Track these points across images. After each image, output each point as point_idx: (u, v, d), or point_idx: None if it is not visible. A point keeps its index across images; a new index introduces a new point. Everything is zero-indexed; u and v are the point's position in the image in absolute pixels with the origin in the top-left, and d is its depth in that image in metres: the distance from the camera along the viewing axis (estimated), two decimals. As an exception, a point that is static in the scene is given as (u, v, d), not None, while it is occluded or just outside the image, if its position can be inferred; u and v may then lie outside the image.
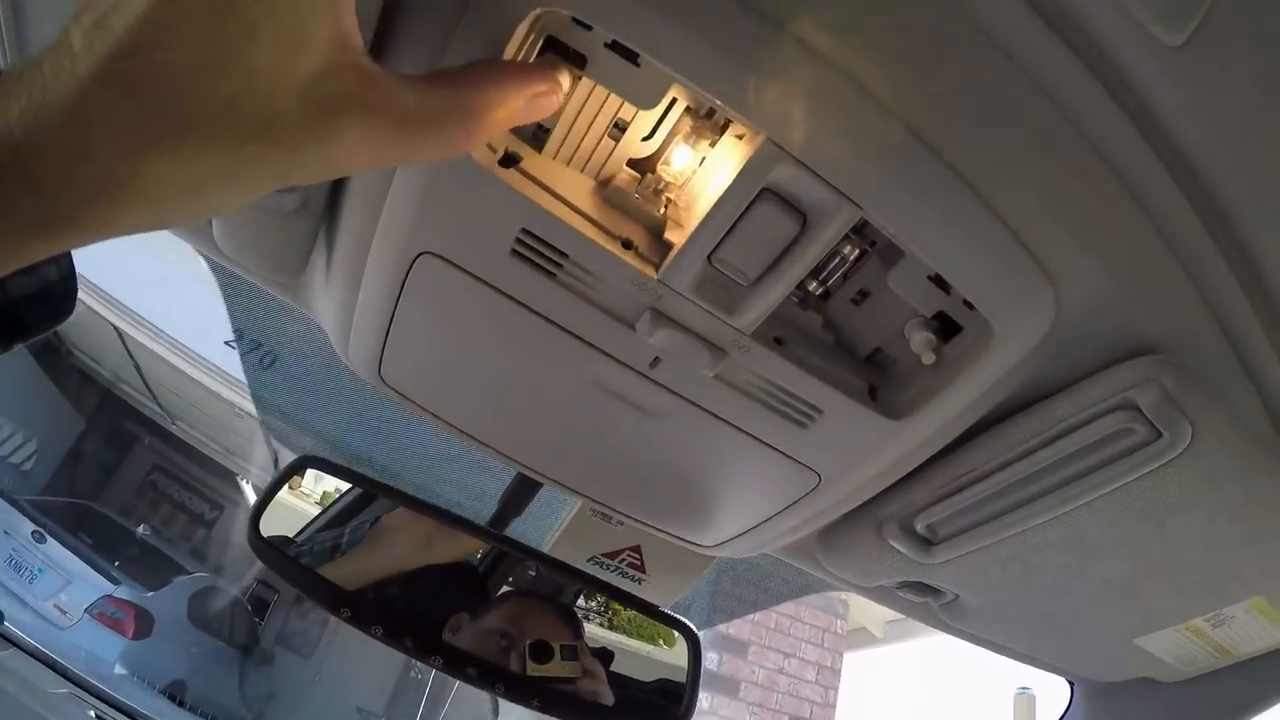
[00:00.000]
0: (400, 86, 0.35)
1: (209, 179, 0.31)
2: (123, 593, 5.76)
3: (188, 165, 0.30)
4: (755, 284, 0.50)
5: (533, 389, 0.65)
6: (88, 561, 5.78)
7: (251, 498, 6.75)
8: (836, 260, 0.55)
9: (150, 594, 5.93)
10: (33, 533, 5.60)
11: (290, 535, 0.97)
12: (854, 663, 5.91)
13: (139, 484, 8.46)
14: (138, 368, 6.56)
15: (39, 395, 6.88)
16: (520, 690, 0.86)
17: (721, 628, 5.21)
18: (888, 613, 6.58)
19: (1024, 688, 6.03)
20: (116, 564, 6.12)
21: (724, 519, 0.78)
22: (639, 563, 1.05)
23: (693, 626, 0.95)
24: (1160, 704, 1.05)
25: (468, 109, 0.37)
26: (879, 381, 0.60)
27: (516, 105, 0.39)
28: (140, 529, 7.20)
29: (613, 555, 1.05)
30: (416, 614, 0.90)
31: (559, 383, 0.62)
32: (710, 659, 5.15)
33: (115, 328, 5.63)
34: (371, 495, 0.99)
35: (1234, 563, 0.71)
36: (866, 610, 6.33)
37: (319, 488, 5.93)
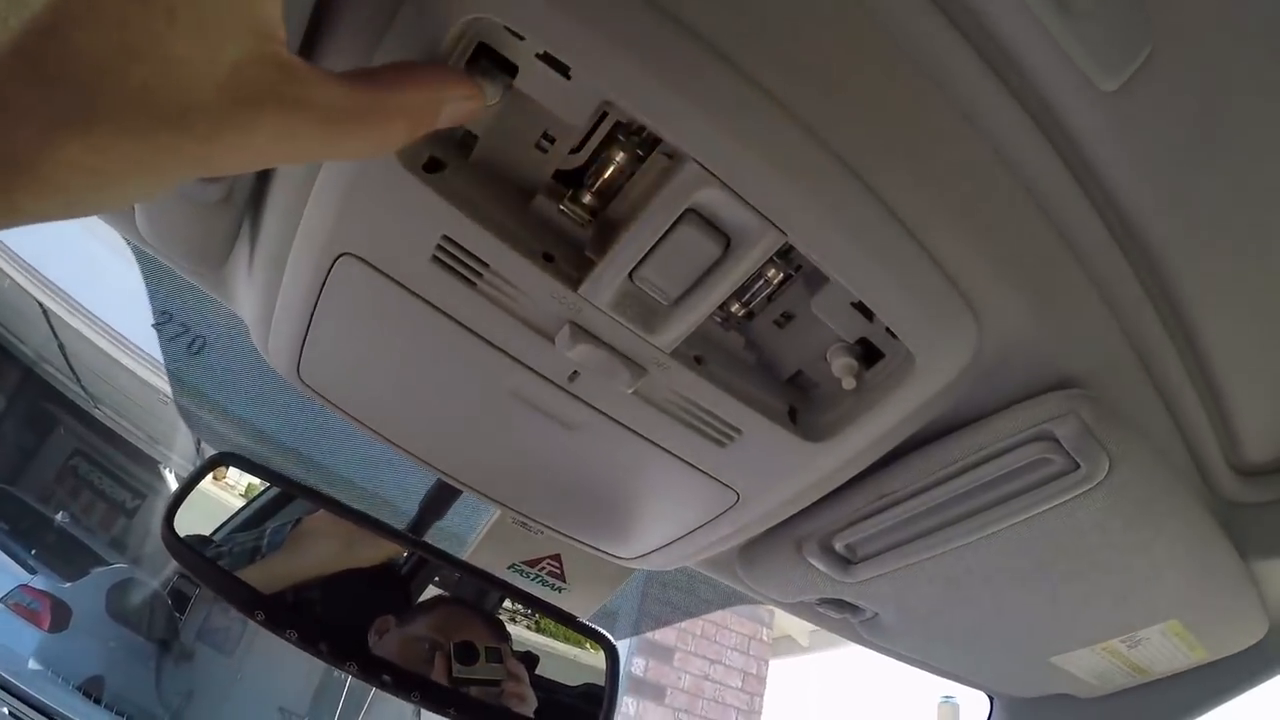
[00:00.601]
0: (323, 81, 0.34)
1: (121, 167, 0.30)
2: (39, 583, 5.61)
3: (98, 152, 0.29)
4: (676, 303, 0.50)
5: (450, 396, 0.64)
6: (3, 549, 5.63)
7: (174, 487, 6.62)
8: (760, 283, 0.55)
9: (68, 585, 5.77)
10: (-55, 518, 5.45)
11: (208, 534, 0.95)
12: (779, 670, 5.95)
13: (59, 469, 8.24)
14: (62, 348, 6.40)
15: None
16: (439, 698, 0.85)
17: (648, 634, 5.22)
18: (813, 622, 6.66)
19: (948, 696, 6.14)
20: (33, 552, 5.97)
21: (643, 532, 0.78)
22: (559, 571, 1.05)
23: (609, 637, 0.95)
24: (1078, 718, 1.06)
25: (390, 108, 0.37)
26: (800, 404, 0.60)
27: (438, 108, 0.39)
28: (59, 516, 7.03)
29: (533, 563, 1.05)
30: (335, 618, 0.89)
31: (477, 391, 0.62)
32: (636, 664, 5.15)
33: (40, 305, 5.49)
34: (290, 495, 0.98)
35: (1150, 589, 0.72)
36: (792, 619, 6.38)
37: (244, 480, 5.83)
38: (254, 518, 1.00)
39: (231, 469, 0.94)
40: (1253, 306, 0.56)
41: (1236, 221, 0.50)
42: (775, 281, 0.55)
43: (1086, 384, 0.58)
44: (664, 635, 5.31)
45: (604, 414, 0.60)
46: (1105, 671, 0.89)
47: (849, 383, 0.55)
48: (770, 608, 5.84)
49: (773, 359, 0.60)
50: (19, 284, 5.19)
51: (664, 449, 0.62)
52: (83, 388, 7.46)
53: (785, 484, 0.65)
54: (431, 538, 0.97)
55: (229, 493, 5.78)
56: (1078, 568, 0.69)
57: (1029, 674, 0.95)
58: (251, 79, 0.32)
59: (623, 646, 5.24)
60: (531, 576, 1.05)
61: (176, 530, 0.86)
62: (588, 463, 0.68)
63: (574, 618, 0.95)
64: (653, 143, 0.49)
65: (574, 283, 0.50)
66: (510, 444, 0.69)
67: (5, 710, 1.95)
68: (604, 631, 0.95)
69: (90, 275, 5.00)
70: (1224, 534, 0.69)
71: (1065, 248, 0.51)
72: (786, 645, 6.64)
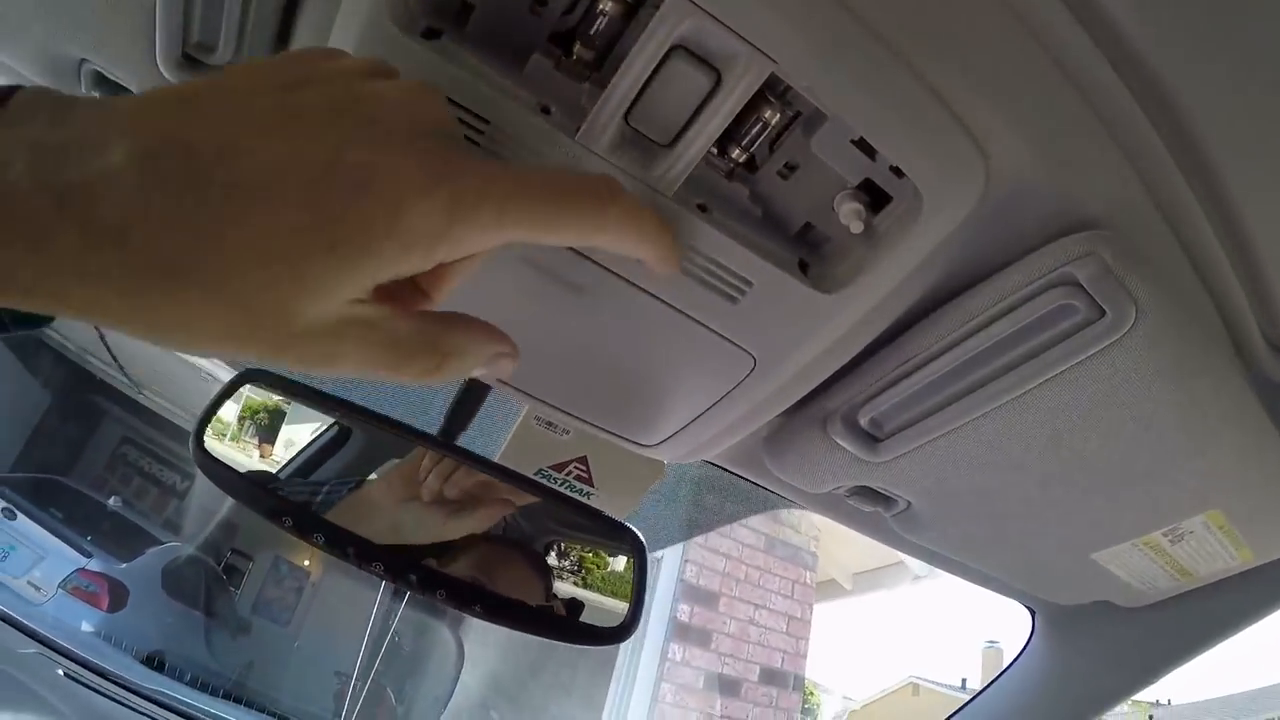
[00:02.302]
0: (396, 318, 0.40)
1: (207, 342, 0.35)
2: (96, 565, 5.71)
3: (197, 326, 0.34)
4: (673, 143, 0.51)
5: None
6: (60, 536, 5.73)
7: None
8: (759, 125, 0.54)
9: (124, 566, 5.88)
10: (2, 510, 5.55)
11: (273, 472, 0.99)
12: (824, 613, 5.97)
13: (109, 457, 8.38)
14: (102, 336, 6.49)
15: (2, 371, 6.80)
16: (462, 598, 0.86)
17: (691, 579, 5.25)
18: (856, 565, 6.66)
19: (991, 641, 6.12)
20: (89, 538, 6.08)
21: (663, 411, 0.78)
22: (586, 475, 1.05)
23: (638, 534, 0.95)
24: (1122, 630, 1.07)
25: (444, 348, 0.43)
26: (811, 258, 0.60)
27: (480, 357, 0.46)
28: (111, 501, 7.15)
29: (560, 468, 1.05)
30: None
31: (486, 260, 0.62)
32: (681, 611, 5.18)
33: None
34: (341, 448, 1.00)
35: (1190, 471, 0.71)
36: (836, 562, 6.39)
37: (287, 455, 5.89)
38: (314, 459, 1.02)
39: (279, 441, 0.96)
40: None
41: (1265, 66, 0.48)
42: (775, 125, 0.55)
43: (1105, 226, 0.56)
44: (708, 581, 5.34)
45: (610, 270, 0.60)
46: (1148, 573, 0.88)
47: (856, 226, 0.54)
48: (814, 552, 5.87)
49: (780, 211, 0.60)
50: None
51: (674, 307, 0.62)
52: (126, 375, 7.55)
53: (802, 344, 0.65)
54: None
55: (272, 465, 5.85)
56: (1111, 442, 0.68)
57: (1070, 574, 0.94)
58: (347, 321, 0.37)
59: (666, 594, 5.29)
60: (559, 482, 1.05)
61: (207, 448, 0.87)
62: (601, 331, 0.68)
63: (600, 513, 0.96)
64: None
65: (572, 131, 0.51)
66: (525, 320, 0.67)
67: (61, 673, 2.00)
68: (632, 527, 0.95)
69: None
70: (1264, 410, 0.67)
71: (1066, 80, 0.50)
72: (831, 589, 6.65)
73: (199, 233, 0.32)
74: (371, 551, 0.84)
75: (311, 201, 0.34)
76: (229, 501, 6.80)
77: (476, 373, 0.47)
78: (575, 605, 0.95)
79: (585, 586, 0.97)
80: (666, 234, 0.47)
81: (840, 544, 6.12)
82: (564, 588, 0.96)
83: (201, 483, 7.60)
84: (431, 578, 0.86)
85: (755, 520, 5.68)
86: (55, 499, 6.54)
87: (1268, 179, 0.55)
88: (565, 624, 0.94)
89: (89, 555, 5.77)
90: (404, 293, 0.45)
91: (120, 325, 0.33)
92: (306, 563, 7.44)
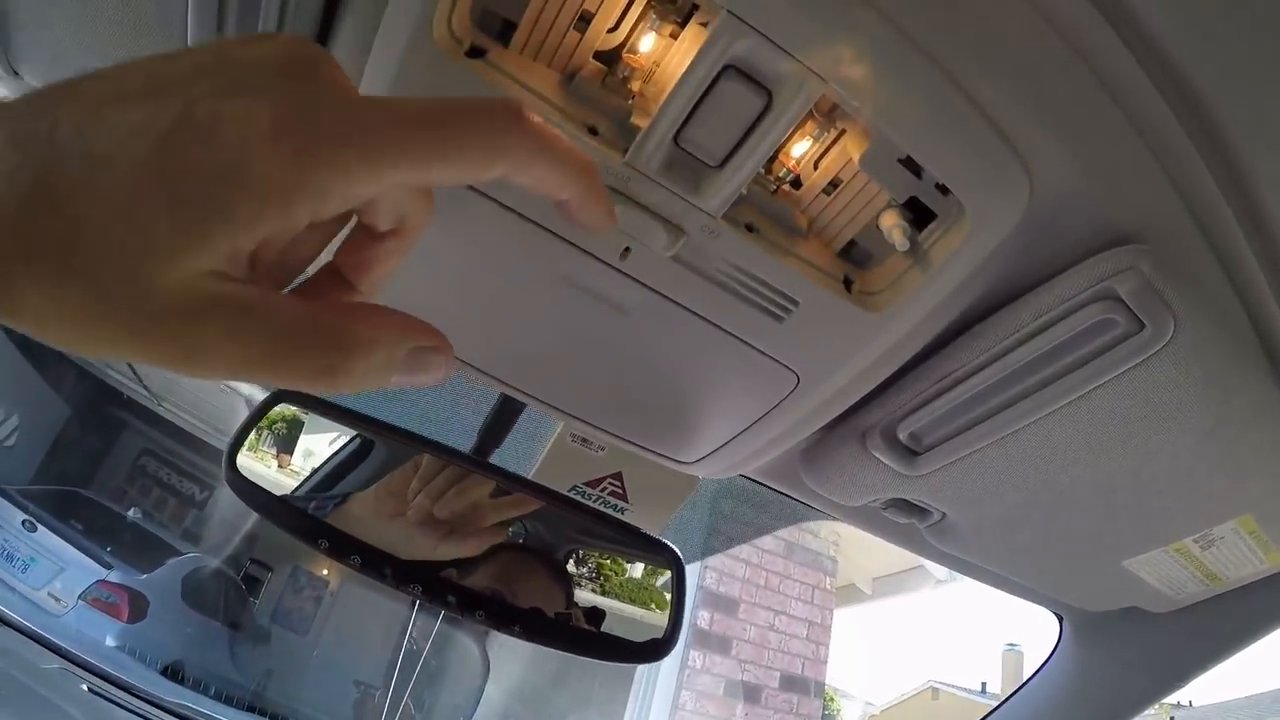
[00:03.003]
0: (278, 301, 0.35)
1: (70, 327, 0.31)
2: (116, 577, 5.75)
3: (58, 311, 0.31)
4: (723, 164, 0.50)
5: (504, 292, 0.64)
6: (80, 548, 5.77)
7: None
8: (806, 142, 0.55)
9: (144, 577, 5.93)
10: (23, 522, 5.60)
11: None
12: (844, 619, 5.96)
13: (129, 468, 8.46)
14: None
15: (22, 383, 6.85)
16: (502, 618, 0.85)
17: (711, 586, 5.24)
18: (876, 569, 6.65)
19: (1012, 644, 6.11)
20: (109, 549, 6.12)
21: (703, 430, 0.77)
22: (621, 491, 1.05)
23: (675, 549, 0.95)
24: (1150, 635, 1.07)
25: (344, 340, 0.36)
26: (855, 275, 0.60)
27: (394, 353, 0.38)
28: (131, 512, 7.21)
29: (595, 484, 1.05)
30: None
31: (530, 283, 0.62)
32: (701, 618, 5.17)
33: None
34: (364, 460, 0.99)
35: (1222, 478, 0.71)
36: (856, 566, 6.38)
37: (308, 465, 5.94)
38: (334, 474, 1.01)
39: (298, 453, 0.96)
40: None
41: None
42: (822, 142, 0.55)
43: (1144, 241, 0.56)
44: (728, 588, 5.33)
45: (657, 292, 0.59)
46: (1177, 578, 0.88)
47: (902, 244, 0.54)
48: (833, 557, 5.86)
49: (825, 229, 0.59)
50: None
51: (720, 327, 0.62)
52: (145, 386, 7.61)
53: (845, 362, 0.65)
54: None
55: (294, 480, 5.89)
56: (1148, 452, 0.68)
57: (1100, 581, 0.94)
58: (208, 300, 0.32)
59: (687, 601, 5.27)
60: (594, 498, 1.05)
61: (239, 470, 0.87)
62: (644, 351, 0.67)
63: (637, 530, 0.96)
64: (689, 11, 0.50)
65: (620, 151, 0.51)
66: (566, 341, 0.68)
67: (85, 687, 2.00)
68: (669, 543, 0.95)
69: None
70: None
71: (1107, 96, 0.50)
72: (851, 594, 6.64)
73: (55, 209, 0.30)
74: (409, 573, 0.84)
75: (156, 160, 0.31)
76: (248, 512, 6.84)
77: (397, 377, 0.38)
78: (596, 614, 0.94)
79: (604, 594, 0.97)
80: (589, 173, 0.40)
81: (860, 549, 6.12)
82: (584, 595, 0.96)
83: (220, 494, 7.67)
84: (471, 599, 0.85)
85: (779, 527, 5.69)
86: (75, 511, 6.59)
87: None
88: (605, 642, 0.94)
89: (109, 566, 5.81)
90: (324, 285, 0.41)
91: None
92: (325, 572, 7.47)
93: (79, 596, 5.46)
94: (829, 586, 5.82)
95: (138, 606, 5.64)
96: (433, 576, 0.86)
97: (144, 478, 8.51)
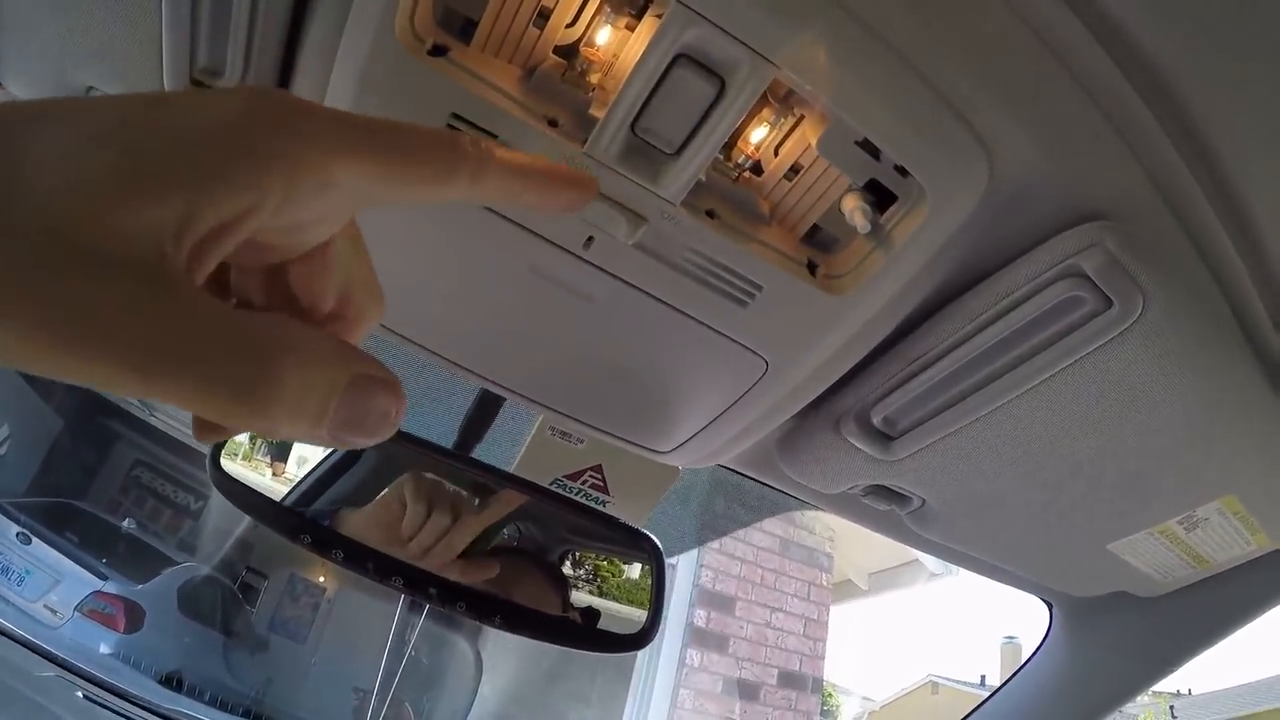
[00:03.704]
0: (205, 293, 0.28)
1: None
2: (111, 587, 5.73)
3: None
4: (680, 151, 0.51)
5: (473, 284, 0.65)
6: (75, 559, 5.75)
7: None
8: (764, 129, 0.56)
9: (139, 587, 5.91)
10: (17, 534, 5.57)
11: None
12: (840, 615, 5.96)
13: (123, 479, 8.41)
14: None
15: (13, 394, 6.82)
16: (483, 610, 0.86)
17: (708, 584, 5.25)
18: (872, 565, 6.64)
19: (1010, 637, 6.11)
20: (104, 560, 6.10)
21: (676, 418, 0.78)
22: (601, 483, 1.06)
23: (655, 539, 0.95)
24: (1140, 620, 1.07)
25: (268, 352, 0.28)
26: (819, 259, 0.60)
27: (336, 376, 0.30)
28: (126, 523, 7.18)
29: (575, 476, 1.06)
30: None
31: (498, 274, 0.63)
32: (698, 616, 5.18)
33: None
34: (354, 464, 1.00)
35: (1202, 457, 0.71)
36: (851, 562, 6.38)
37: (303, 473, 5.92)
38: (325, 478, 1.02)
39: (292, 459, 0.97)
40: None
41: (1263, 51, 0.48)
42: (781, 129, 0.56)
43: (1111, 218, 0.56)
44: (724, 586, 5.34)
45: (621, 279, 0.60)
46: (1165, 562, 0.88)
47: (863, 226, 0.54)
48: (829, 553, 5.86)
49: (787, 214, 0.60)
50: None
51: (685, 314, 0.62)
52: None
53: (813, 346, 0.65)
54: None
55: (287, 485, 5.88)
56: (1124, 433, 0.68)
57: (1087, 566, 0.94)
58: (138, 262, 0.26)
59: (682, 600, 5.30)
60: (575, 491, 1.06)
61: (224, 469, 0.90)
62: (613, 339, 0.68)
63: (616, 520, 0.96)
64: (643, 5, 0.51)
65: (579, 142, 0.52)
66: (537, 331, 0.69)
67: (80, 695, 2.00)
68: (648, 533, 0.96)
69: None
70: (1275, 395, 0.67)
71: (1066, 73, 0.50)
72: (847, 589, 6.64)
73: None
74: (390, 566, 0.84)
75: (119, 128, 0.26)
76: (243, 520, 6.84)
77: (331, 426, 0.30)
78: (592, 613, 0.95)
79: (601, 595, 0.97)
80: (543, 170, 0.37)
81: (855, 544, 6.12)
82: (580, 597, 0.97)
83: (215, 503, 7.65)
84: (451, 591, 0.86)
85: (770, 523, 5.69)
86: (70, 522, 6.56)
87: (1270, 164, 0.55)
88: (585, 632, 0.95)
89: (104, 577, 5.79)
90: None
91: None
92: (322, 579, 7.45)
93: (75, 608, 5.44)
94: (825, 583, 5.83)
95: (134, 617, 5.62)
96: (414, 570, 0.86)
97: (138, 488, 8.46)
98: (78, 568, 5.70)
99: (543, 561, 0.99)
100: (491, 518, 0.94)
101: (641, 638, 0.93)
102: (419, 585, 0.85)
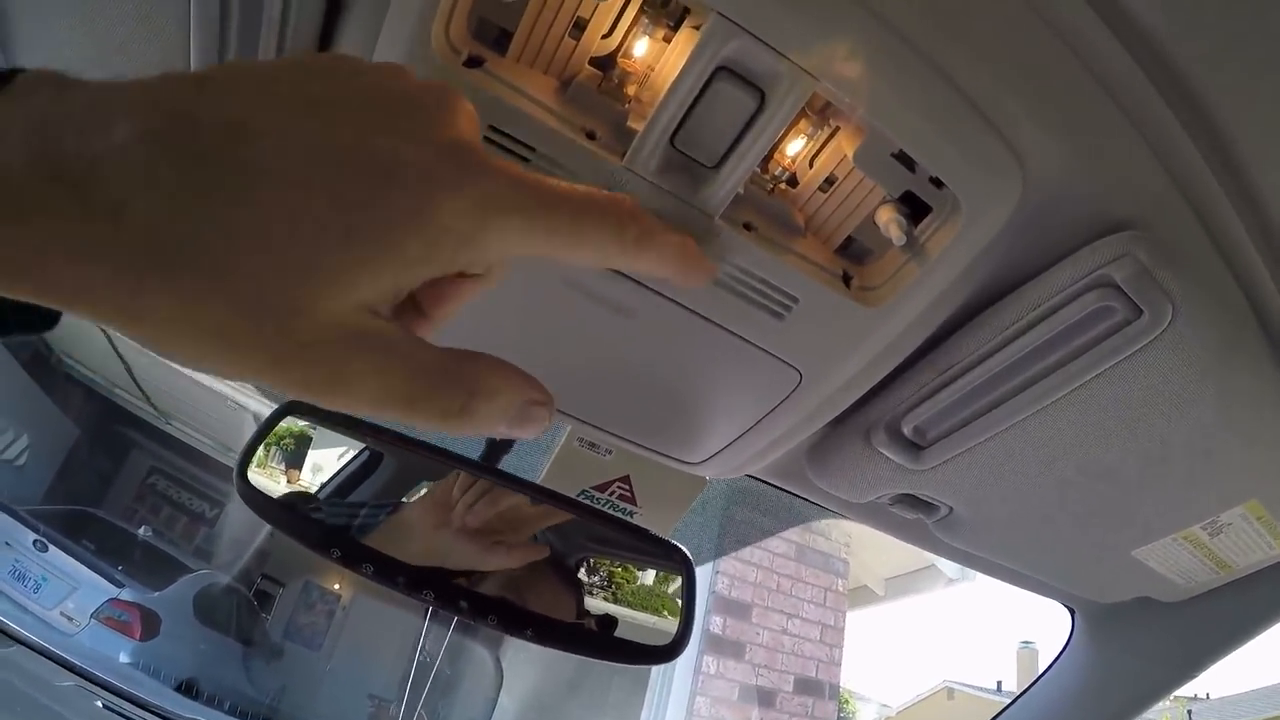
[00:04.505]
0: (419, 343, 0.36)
1: (203, 344, 0.30)
2: (127, 595, 5.78)
3: (193, 322, 0.30)
4: (719, 164, 0.51)
5: (511, 296, 0.63)
6: (91, 567, 5.81)
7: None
8: (800, 140, 0.55)
9: (155, 594, 5.95)
10: (34, 542, 5.63)
11: (313, 492, 0.98)
12: (857, 620, 5.96)
13: (138, 487, 8.49)
14: (128, 368, 6.56)
15: (31, 405, 6.89)
16: (514, 622, 0.85)
17: (724, 591, 5.25)
18: (888, 570, 6.64)
19: (1026, 642, 6.10)
20: (120, 568, 6.15)
21: (708, 430, 0.78)
22: (629, 494, 1.05)
23: (685, 550, 0.94)
24: (1162, 625, 1.07)
25: (472, 386, 0.37)
26: (854, 271, 0.60)
27: (513, 402, 0.38)
28: (141, 531, 7.24)
29: (603, 488, 1.05)
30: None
31: (535, 285, 0.62)
32: (714, 623, 5.18)
33: (103, 329, 5.62)
34: (375, 470, 0.99)
35: (1226, 461, 0.71)
36: (867, 568, 6.38)
37: (317, 480, 5.95)
38: (348, 483, 1.02)
39: (307, 466, 0.96)
40: None
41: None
42: (817, 140, 0.55)
43: (1140, 228, 0.56)
44: (740, 592, 5.34)
45: (658, 293, 0.60)
46: (1187, 567, 0.88)
47: (898, 238, 0.54)
48: (845, 559, 5.86)
49: (822, 226, 0.60)
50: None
51: (721, 326, 0.62)
52: (153, 405, 7.64)
53: (847, 357, 0.65)
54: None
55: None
56: (1152, 439, 0.67)
57: (1111, 572, 0.94)
58: (360, 334, 0.33)
59: (699, 607, 5.28)
60: (602, 502, 1.06)
61: (250, 481, 0.88)
62: (648, 352, 0.68)
63: (647, 531, 0.96)
64: (681, 15, 0.51)
65: (618, 155, 0.51)
66: (571, 344, 0.69)
67: (100, 704, 2.01)
68: (679, 545, 0.95)
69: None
70: None
71: (1095, 82, 0.50)
72: (863, 595, 6.63)
73: (201, 214, 0.28)
74: (421, 579, 0.84)
75: (329, 185, 0.31)
76: (258, 528, 6.88)
77: (503, 428, 0.39)
78: (608, 621, 0.94)
79: (616, 602, 0.97)
80: (688, 250, 0.43)
81: (871, 550, 6.12)
82: (595, 604, 0.96)
83: (230, 510, 7.70)
84: (482, 604, 0.85)
85: (786, 530, 5.69)
86: (86, 530, 6.63)
87: None
88: (615, 644, 0.93)
89: (120, 585, 5.84)
90: (404, 311, 0.41)
91: (112, 317, 0.29)
92: (337, 586, 7.49)
93: (91, 615, 5.49)
94: (841, 589, 5.82)
95: (150, 624, 5.66)
96: (445, 583, 0.85)
97: (154, 496, 8.55)
98: (94, 575, 5.76)
99: (559, 567, 0.97)
100: (544, 515, 0.94)
101: (672, 649, 0.92)
102: (450, 598, 0.84)
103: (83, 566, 5.74)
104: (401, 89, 0.35)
